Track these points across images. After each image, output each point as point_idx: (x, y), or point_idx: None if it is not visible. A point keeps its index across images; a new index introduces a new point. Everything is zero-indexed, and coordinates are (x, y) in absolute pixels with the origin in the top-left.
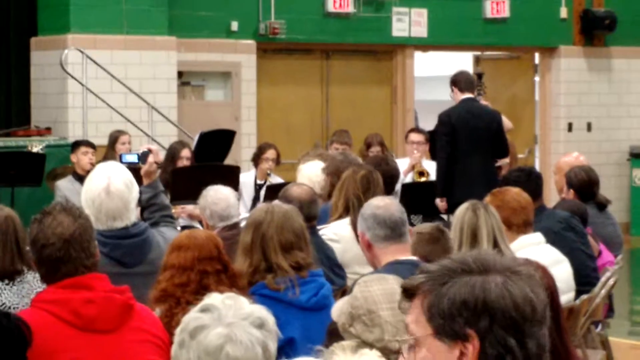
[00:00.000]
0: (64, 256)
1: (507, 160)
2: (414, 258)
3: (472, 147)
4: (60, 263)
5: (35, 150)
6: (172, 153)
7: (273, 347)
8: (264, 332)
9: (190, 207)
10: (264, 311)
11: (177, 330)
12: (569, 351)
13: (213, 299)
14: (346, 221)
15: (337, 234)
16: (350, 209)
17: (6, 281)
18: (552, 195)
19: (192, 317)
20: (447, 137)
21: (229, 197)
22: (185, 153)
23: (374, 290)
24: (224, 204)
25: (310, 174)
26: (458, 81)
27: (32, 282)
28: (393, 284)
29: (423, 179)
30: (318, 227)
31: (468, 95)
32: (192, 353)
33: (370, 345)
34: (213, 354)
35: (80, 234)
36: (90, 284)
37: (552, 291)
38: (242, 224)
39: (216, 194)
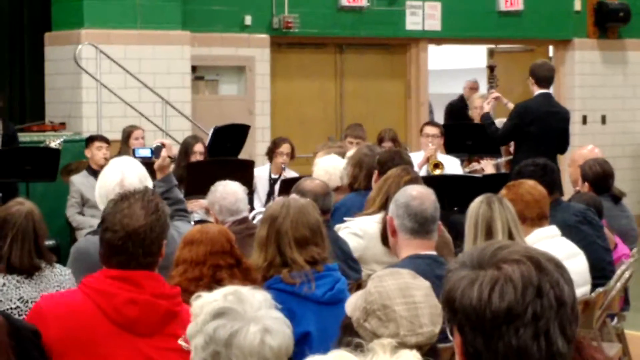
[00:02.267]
0: (121, 247)
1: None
2: (434, 253)
3: (543, 145)
4: (114, 251)
5: (53, 145)
6: (186, 148)
7: (287, 319)
8: (278, 310)
9: (204, 202)
10: (263, 291)
11: (199, 344)
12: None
13: (213, 301)
14: (375, 218)
15: (363, 229)
16: (386, 208)
17: (25, 275)
18: (566, 188)
19: (212, 327)
20: (516, 129)
21: (238, 191)
22: (199, 148)
23: (387, 285)
24: (232, 198)
25: (327, 166)
26: (537, 75)
27: (50, 277)
28: (407, 278)
29: (438, 172)
30: (345, 218)
31: (544, 90)
32: None
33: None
34: (256, 353)
35: (146, 231)
36: (140, 282)
37: None
38: (258, 218)
39: (225, 189)
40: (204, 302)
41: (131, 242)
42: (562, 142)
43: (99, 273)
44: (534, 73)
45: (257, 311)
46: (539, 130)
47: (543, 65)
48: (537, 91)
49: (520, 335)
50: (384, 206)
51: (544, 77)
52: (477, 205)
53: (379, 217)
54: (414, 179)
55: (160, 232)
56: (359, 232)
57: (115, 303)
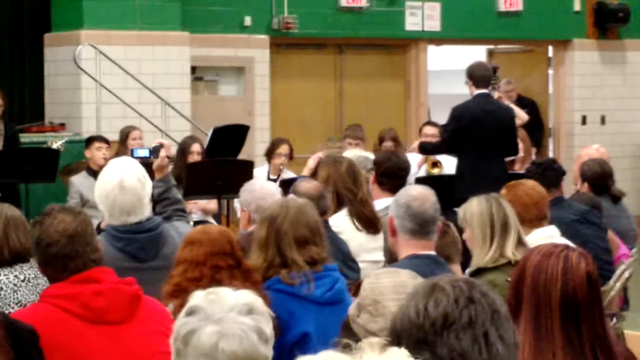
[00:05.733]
0: (71, 252)
1: (521, 154)
2: (433, 253)
3: (484, 146)
4: (67, 259)
5: (55, 146)
6: (183, 148)
7: (268, 329)
8: (254, 317)
9: (203, 202)
10: (250, 296)
11: (171, 341)
12: (609, 339)
13: (195, 299)
14: (343, 213)
15: (338, 225)
16: (344, 202)
17: (21, 277)
18: (565, 189)
19: (180, 323)
20: (457, 131)
21: (275, 194)
22: (196, 148)
23: (382, 282)
24: (270, 199)
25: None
26: (473, 76)
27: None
28: (405, 277)
29: (436, 170)
30: None
31: (482, 90)
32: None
33: (374, 334)
34: (210, 354)
35: (83, 229)
36: (98, 277)
37: (598, 279)
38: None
39: (262, 189)
40: (190, 300)
41: (77, 243)
42: (507, 143)
43: (56, 285)
44: (471, 74)
45: (224, 313)
46: (476, 131)
47: (480, 66)
48: (475, 92)
49: (461, 339)
50: (339, 202)
51: (482, 76)
52: (485, 205)
53: (344, 211)
54: (350, 163)
55: (92, 228)
56: (337, 229)
57: (81, 300)
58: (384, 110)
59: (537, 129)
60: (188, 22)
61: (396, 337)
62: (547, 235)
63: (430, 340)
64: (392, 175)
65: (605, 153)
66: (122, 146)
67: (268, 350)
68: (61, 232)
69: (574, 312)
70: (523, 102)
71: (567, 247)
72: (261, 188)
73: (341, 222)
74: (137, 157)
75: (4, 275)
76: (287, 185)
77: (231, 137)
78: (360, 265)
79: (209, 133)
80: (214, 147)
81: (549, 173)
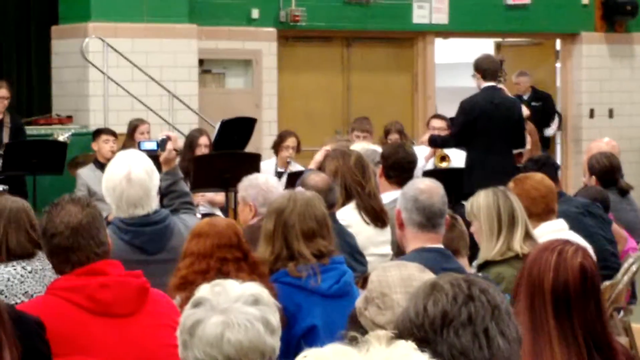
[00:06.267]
0: (73, 244)
1: (528, 146)
2: (441, 246)
3: (492, 139)
4: (69, 252)
5: (61, 138)
6: (190, 141)
7: (275, 319)
8: (260, 308)
9: (210, 195)
10: (257, 287)
11: (178, 333)
12: (608, 335)
13: (202, 291)
14: (351, 206)
15: (346, 219)
16: (352, 195)
17: (28, 269)
18: (572, 182)
19: (186, 315)
20: (466, 125)
21: (279, 186)
22: (204, 141)
23: (390, 275)
24: (276, 192)
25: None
26: (481, 69)
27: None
28: (413, 270)
29: (444, 164)
30: None
31: (490, 83)
32: (197, 350)
33: (381, 327)
34: (216, 345)
35: (88, 222)
36: (104, 270)
37: (594, 273)
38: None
39: (268, 183)
40: (196, 292)
41: (80, 236)
42: (514, 136)
43: (62, 277)
44: (479, 67)
45: (230, 304)
46: (484, 124)
47: (487, 58)
48: (483, 85)
49: (461, 336)
50: (347, 196)
51: (489, 69)
52: (492, 198)
53: (352, 204)
54: (359, 156)
55: (100, 221)
56: (344, 222)
57: (88, 292)
58: (391, 103)
59: (554, 119)
60: (195, 15)
61: (398, 332)
62: (555, 229)
63: (431, 339)
64: (399, 168)
65: (616, 146)
66: (130, 139)
67: (275, 341)
68: (65, 224)
69: (565, 305)
70: (537, 94)
71: (566, 241)
72: (266, 181)
73: (349, 216)
74: (144, 150)
75: (12, 266)
76: (294, 178)
77: (238, 130)
78: (368, 258)
79: (217, 126)
80: (222, 140)
81: (546, 169)
